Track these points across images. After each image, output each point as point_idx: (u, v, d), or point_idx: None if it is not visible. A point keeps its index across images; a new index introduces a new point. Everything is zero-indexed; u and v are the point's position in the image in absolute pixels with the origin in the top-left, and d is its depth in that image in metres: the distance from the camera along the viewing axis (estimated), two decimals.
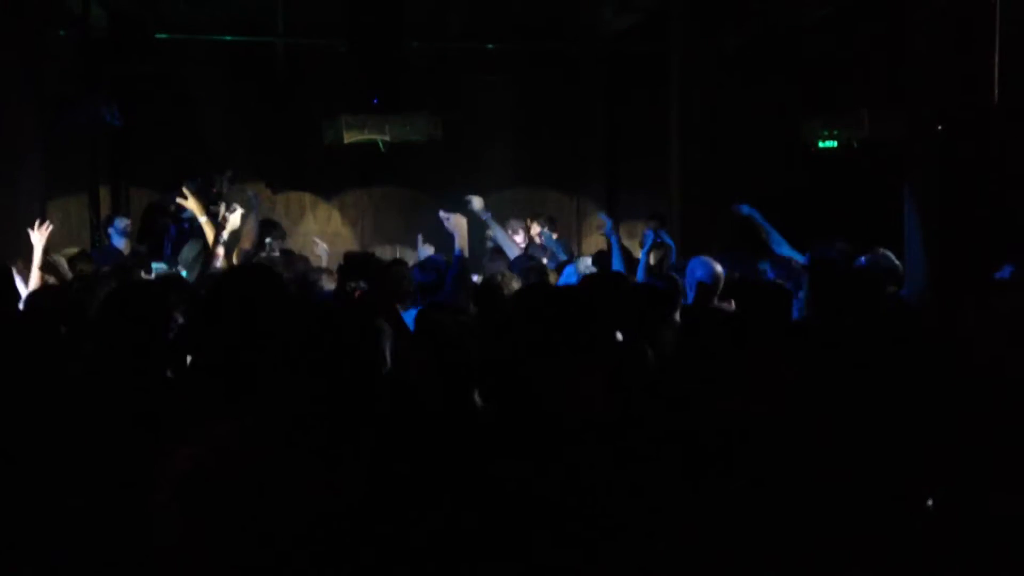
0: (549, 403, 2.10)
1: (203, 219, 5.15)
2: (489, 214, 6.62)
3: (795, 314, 3.77)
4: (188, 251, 5.50)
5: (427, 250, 7.76)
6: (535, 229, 8.17)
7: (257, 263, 4.49)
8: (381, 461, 1.95)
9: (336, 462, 1.89)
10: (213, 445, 1.81)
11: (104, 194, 8.91)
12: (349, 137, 8.04)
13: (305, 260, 6.00)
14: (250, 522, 1.75)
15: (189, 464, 1.78)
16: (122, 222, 7.64)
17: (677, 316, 3.78)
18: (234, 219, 4.83)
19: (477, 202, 6.63)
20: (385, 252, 7.98)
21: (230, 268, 4.39)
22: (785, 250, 5.15)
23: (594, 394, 2.17)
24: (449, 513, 1.90)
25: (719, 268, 4.37)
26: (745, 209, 5.45)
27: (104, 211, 8.85)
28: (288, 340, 2.00)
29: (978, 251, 4.33)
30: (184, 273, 5.40)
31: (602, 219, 5.73)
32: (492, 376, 2.31)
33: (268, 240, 7.57)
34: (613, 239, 5.57)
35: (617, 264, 5.37)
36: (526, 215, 9.57)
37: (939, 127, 4.50)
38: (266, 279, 2.53)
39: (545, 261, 6.13)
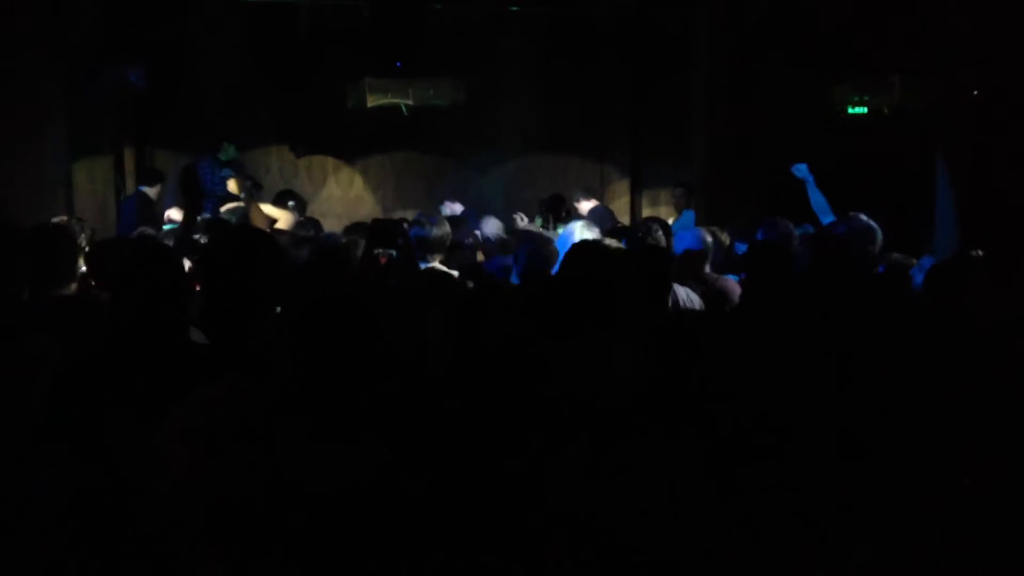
0: (566, 382, 2.07)
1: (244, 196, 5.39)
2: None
3: None
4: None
5: (454, 208, 7.79)
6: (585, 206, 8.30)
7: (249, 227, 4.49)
8: (392, 436, 1.93)
9: (345, 435, 1.88)
10: (202, 404, 1.82)
11: (129, 155, 8.93)
12: (372, 101, 7.99)
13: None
14: (241, 484, 1.74)
15: (179, 422, 1.80)
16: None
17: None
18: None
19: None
20: (407, 217, 7.94)
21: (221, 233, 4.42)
22: (827, 219, 5.09)
23: (616, 373, 2.13)
24: (458, 493, 1.89)
25: (709, 237, 4.37)
26: (802, 170, 5.34)
27: (129, 173, 8.89)
28: (298, 311, 1.98)
29: (1011, 221, 4.26)
30: None
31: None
32: (508, 353, 2.28)
33: (291, 204, 7.59)
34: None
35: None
36: (548, 182, 9.54)
37: (974, 93, 4.42)
38: (260, 244, 2.47)
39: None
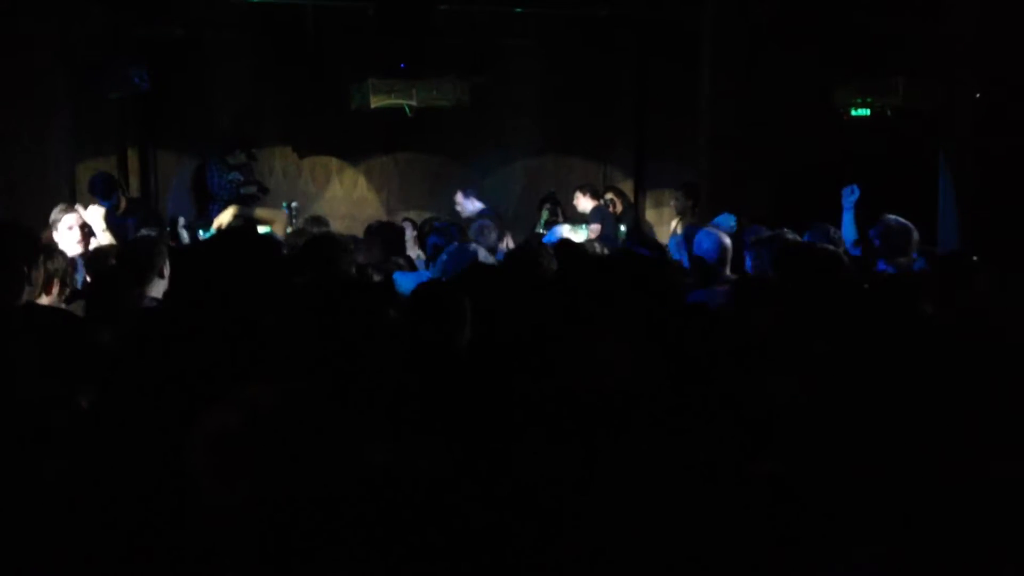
0: (570, 375, 2.07)
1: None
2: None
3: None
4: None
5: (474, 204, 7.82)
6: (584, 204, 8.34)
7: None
8: (407, 427, 1.95)
9: (365, 428, 1.90)
10: (242, 407, 1.82)
11: (132, 156, 8.95)
12: (376, 101, 8.00)
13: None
14: (286, 483, 1.75)
15: (215, 427, 1.79)
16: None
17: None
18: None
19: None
20: (411, 217, 7.95)
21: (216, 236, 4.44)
22: (848, 232, 5.03)
23: (618, 366, 2.13)
24: (472, 484, 1.89)
25: (727, 240, 4.35)
26: (854, 194, 5.13)
27: (132, 173, 8.90)
28: (307, 310, 1.99)
29: (1014, 222, 4.26)
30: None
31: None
32: (515, 347, 2.28)
33: (295, 204, 7.61)
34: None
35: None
36: (552, 182, 9.55)
37: (977, 95, 4.42)
38: (247, 247, 2.48)
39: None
